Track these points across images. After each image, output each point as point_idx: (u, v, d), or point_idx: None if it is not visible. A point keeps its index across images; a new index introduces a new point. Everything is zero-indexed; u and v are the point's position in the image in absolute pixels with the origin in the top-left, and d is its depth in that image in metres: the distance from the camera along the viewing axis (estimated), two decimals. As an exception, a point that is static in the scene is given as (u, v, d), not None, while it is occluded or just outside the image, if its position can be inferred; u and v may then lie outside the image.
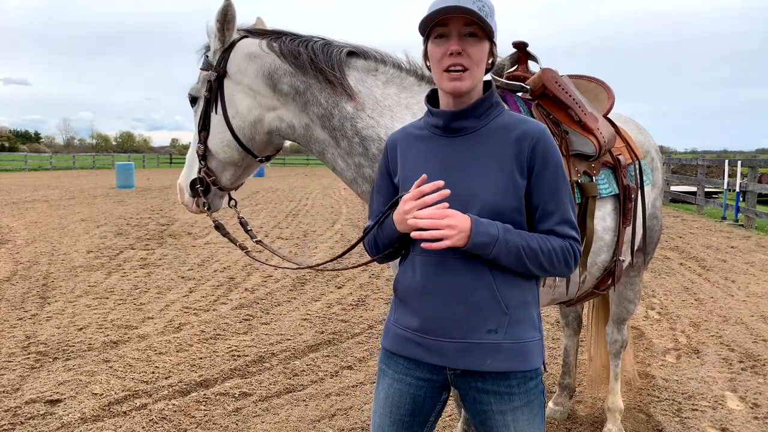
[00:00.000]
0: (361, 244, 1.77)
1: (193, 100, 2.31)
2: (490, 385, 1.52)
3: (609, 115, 2.55)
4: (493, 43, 1.53)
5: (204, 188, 2.31)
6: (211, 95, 2.23)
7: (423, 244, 1.42)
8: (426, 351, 1.54)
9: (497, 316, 1.48)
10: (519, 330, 1.50)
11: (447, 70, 1.48)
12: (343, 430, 3.29)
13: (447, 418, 3.37)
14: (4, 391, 3.70)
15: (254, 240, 2.39)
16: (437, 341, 1.52)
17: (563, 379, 3.51)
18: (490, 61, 1.55)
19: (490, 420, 1.55)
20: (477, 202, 1.48)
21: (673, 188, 17.28)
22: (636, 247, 2.66)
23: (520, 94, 2.27)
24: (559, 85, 2.20)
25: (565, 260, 1.50)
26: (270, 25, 2.39)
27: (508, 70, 2.38)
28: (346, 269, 2.09)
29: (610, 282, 2.51)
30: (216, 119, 2.23)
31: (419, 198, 1.44)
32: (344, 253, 2.07)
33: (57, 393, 3.68)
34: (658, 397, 3.71)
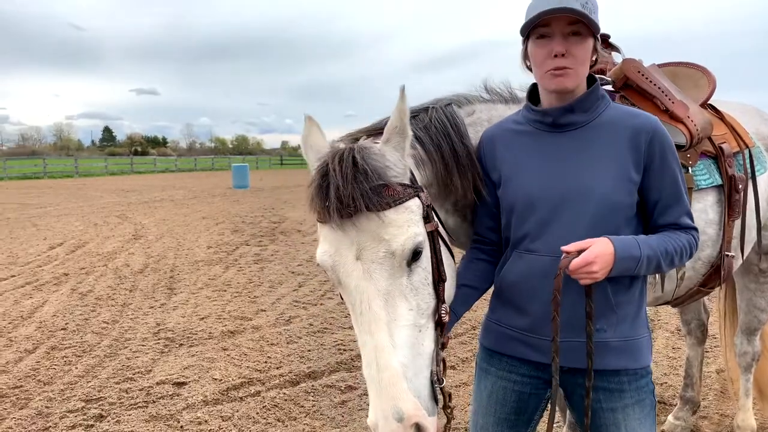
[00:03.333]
0: None
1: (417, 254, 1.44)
2: (599, 381, 1.48)
3: (723, 104, 2.35)
4: (596, 39, 1.48)
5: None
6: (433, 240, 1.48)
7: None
8: (532, 349, 1.52)
9: (607, 315, 1.45)
10: (628, 327, 1.48)
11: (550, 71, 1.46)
12: (446, 429, 3.28)
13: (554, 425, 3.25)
14: (138, 372, 4.10)
15: None
16: (545, 340, 1.49)
17: (685, 392, 3.25)
18: (594, 58, 1.50)
19: (599, 418, 1.51)
20: (591, 197, 1.43)
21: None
22: (750, 244, 2.40)
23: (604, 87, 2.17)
24: (642, 75, 2.09)
25: (690, 252, 1.50)
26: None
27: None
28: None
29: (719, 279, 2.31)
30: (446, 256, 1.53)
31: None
32: None
33: (183, 376, 4.02)
34: (800, 419, 3.33)
